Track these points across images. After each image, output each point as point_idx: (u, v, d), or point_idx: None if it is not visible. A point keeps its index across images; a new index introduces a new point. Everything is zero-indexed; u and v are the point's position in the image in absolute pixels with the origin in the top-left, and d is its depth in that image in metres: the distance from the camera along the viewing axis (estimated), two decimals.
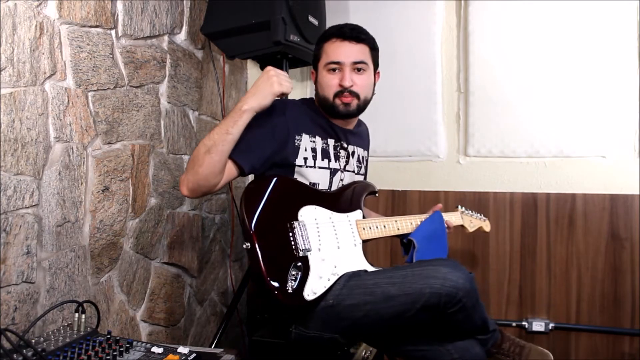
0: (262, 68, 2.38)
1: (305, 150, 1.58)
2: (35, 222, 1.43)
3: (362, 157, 1.81)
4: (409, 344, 1.46)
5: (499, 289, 2.41)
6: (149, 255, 1.95)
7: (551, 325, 2.33)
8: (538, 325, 2.34)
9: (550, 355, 1.58)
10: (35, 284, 1.44)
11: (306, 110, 1.64)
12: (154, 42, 1.97)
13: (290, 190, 1.54)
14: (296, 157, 1.56)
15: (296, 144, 1.56)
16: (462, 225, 1.91)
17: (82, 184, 1.61)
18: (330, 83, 1.58)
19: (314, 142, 1.60)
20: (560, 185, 2.35)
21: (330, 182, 1.65)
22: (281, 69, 2.20)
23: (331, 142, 1.66)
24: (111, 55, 1.73)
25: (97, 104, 1.68)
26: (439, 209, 1.78)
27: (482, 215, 2.02)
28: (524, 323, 2.36)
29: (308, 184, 1.59)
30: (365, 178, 1.86)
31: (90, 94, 1.65)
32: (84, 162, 1.62)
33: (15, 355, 1.05)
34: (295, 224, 1.46)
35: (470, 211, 1.96)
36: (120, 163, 1.78)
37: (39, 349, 1.09)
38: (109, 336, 1.26)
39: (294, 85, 1.54)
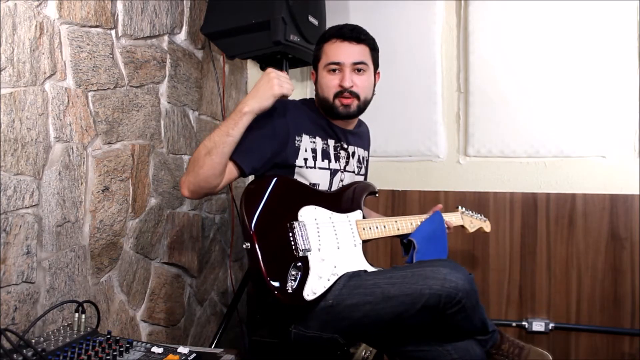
0: (262, 68, 2.41)
1: (306, 150, 1.58)
2: (35, 222, 1.43)
3: (363, 158, 1.81)
4: (409, 345, 1.46)
5: (499, 289, 2.41)
6: (149, 255, 1.95)
7: (551, 325, 2.33)
8: (538, 325, 2.34)
9: (550, 356, 1.58)
10: (35, 284, 1.44)
11: (306, 110, 1.64)
12: (154, 42, 1.97)
13: (291, 190, 1.54)
14: (296, 157, 1.56)
15: (296, 145, 1.56)
16: (462, 226, 1.91)
17: (82, 184, 1.61)
18: (330, 84, 1.58)
19: (314, 142, 1.60)
20: (560, 185, 2.35)
21: (331, 183, 1.65)
22: (281, 69, 2.21)
23: (331, 142, 1.66)
24: (111, 55, 1.73)
25: (97, 104, 1.68)
26: (439, 209, 1.78)
27: (483, 216, 2.02)
28: (524, 323, 2.36)
29: (308, 184, 1.59)
30: (365, 178, 1.86)
31: (90, 94, 1.65)
32: (84, 162, 1.62)
33: (15, 355, 1.05)
34: (295, 224, 1.46)
35: (470, 211, 1.96)
36: (120, 163, 1.78)
37: (39, 349, 1.09)
38: (109, 336, 1.26)
39: (294, 86, 1.54)
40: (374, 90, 1.68)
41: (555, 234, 2.35)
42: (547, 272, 2.35)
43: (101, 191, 1.69)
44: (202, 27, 2.19)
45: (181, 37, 2.16)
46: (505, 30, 2.38)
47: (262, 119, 1.48)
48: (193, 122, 2.27)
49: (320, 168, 1.61)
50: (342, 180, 1.69)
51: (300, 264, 1.42)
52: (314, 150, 1.60)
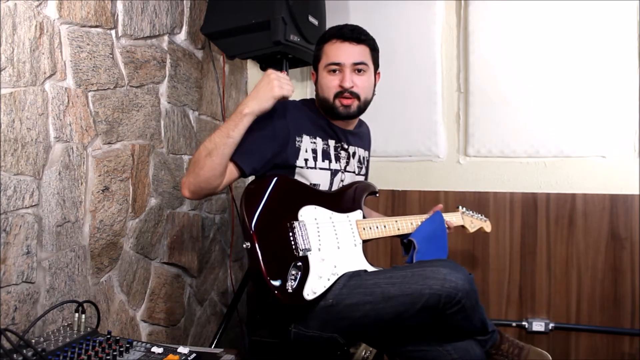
0: (262, 68, 2.41)
1: (306, 151, 1.58)
2: (35, 222, 1.43)
3: (363, 158, 1.81)
4: (409, 345, 1.46)
5: (499, 289, 2.41)
6: (149, 255, 1.95)
7: (551, 325, 2.33)
8: (538, 325, 2.34)
9: (549, 356, 1.58)
10: (35, 284, 1.44)
11: (307, 111, 1.64)
12: (154, 42, 1.97)
13: (291, 190, 1.54)
14: (297, 158, 1.56)
15: (297, 146, 1.56)
16: (462, 226, 1.91)
17: (82, 184, 1.61)
18: (331, 84, 1.58)
19: (314, 143, 1.61)
20: (560, 185, 2.35)
21: (331, 183, 1.65)
22: (281, 69, 2.21)
23: (332, 143, 1.66)
24: (111, 55, 1.73)
25: (97, 104, 1.68)
26: (439, 209, 1.78)
27: (483, 216, 2.01)
28: (524, 323, 2.36)
29: (309, 184, 1.59)
30: (366, 178, 1.86)
31: (90, 94, 1.65)
32: (84, 162, 1.62)
33: (15, 355, 1.05)
34: (296, 223, 1.46)
35: (471, 211, 1.96)
36: (120, 163, 1.78)
37: (39, 349, 1.09)
38: (109, 336, 1.26)
39: (294, 87, 1.54)
40: (374, 91, 1.68)
41: (555, 234, 2.35)
42: (547, 272, 2.35)
43: (101, 191, 1.69)
44: (202, 27, 2.19)
45: (181, 37, 2.16)
46: (505, 30, 2.38)
47: (262, 120, 1.48)
48: (193, 122, 2.27)
49: (320, 168, 1.61)
50: (342, 181, 1.69)
51: (300, 263, 1.42)
52: (314, 151, 1.60)
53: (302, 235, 1.46)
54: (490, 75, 2.41)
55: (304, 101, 1.71)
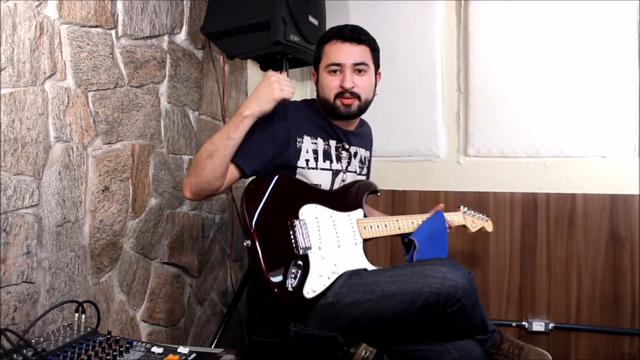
0: (262, 68, 2.41)
1: (307, 152, 1.58)
2: (35, 222, 1.43)
3: (365, 158, 1.81)
4: (409, 344, 1.46)
5: (499, 289, 2.41)
6: (149, 255, 1.95)
7: (551, 325, 2.33)
8: (538, 325, 2.34)
9: (549, 356, 1.58)
10: (35, 284, 1.44)
11: (307, 112, 1.64)
12: (154, 42, 1.97)
13: (292, 188, 1.54)
14: (298, 159, 1.56)
15: (297, 146, 1.56)
16: (464, 226, 1.91)
17: (82, 184, 1.61)
18: (331, 85, 1.58)
19: (315, 143, 1.61)
20: (560, 185, 2.35)
21: (332, 184, 1.65)
22: (281, 69, 2.21)
23: (333, 143, 1.66)
24: (111, 55, 1.73)
25: (97, 104, 1.68)
26: (440, 208, 1.78)
27: (485, 216, 2.01)
28: (524, 323, 2.36)
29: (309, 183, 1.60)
30: (368, 178, 1.86)
31: (90, 94, 1.65)
32: (84, 162, 1.62)
33: (15, 355, 1.05)
34: (296, 222, 1.47)
35: (472, 211, 1.96)
36: (120, 163, 1.78)
37: (39, 349, 1.09)
38: (109, 336, 1.26)
39: (294, 89, 1.54)
40: (375, 91, 1.68)
41: (555, 234, 2.35)
42: (547, 272, 2.35)
43: (101, 191, 1.69)
44: (202, 27, 2.19)
45: (181, 37, 2.16)
46: (505, 30, 2.39)
47: (263, 122, 1.48)
48: (193, 122, 2.27)
49: (322, 169, 1.62)
50: (344, 181, 1.69)
51: (300, 262, 1.42)
52: (315, 151, 1.60)
53: (302, 234, 1.46)
54: (490, 75, 2.41)
55: (305, 101, 1.71)
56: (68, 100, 1.55)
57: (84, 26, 1.61)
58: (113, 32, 1.74)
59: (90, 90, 1.65)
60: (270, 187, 1.48)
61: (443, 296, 1.31)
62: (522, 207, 2.39)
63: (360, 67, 1.58)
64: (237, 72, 2.66)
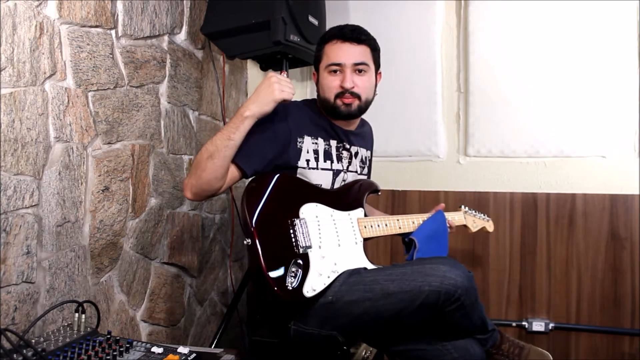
0: (262, 68, 2.41)
1: (308, 152, 1.58)
2: (35, 222, 1.43)
3: (366, 158, 1.82)
4: (409, 343, 1.46)
5: (499, 289, 2.41)
6: (149, 255, 1.95)
7: (551, 325, 2.33)
8: (538, 325, 2.34)
9: (550, 356, 1.58)
10: (35, 284, 1.44)
11: (308, 112, 1.64)
12: (154, 42, 1.97)
13: (292, 187, 1.54)
14: (298, 159, 1.56)
15: (298, 147, 1.56)
16: (465, 225, 1.90)
17: (82, 184, 1.61)
18: (331, 85, 1.58)
19: (316, 143, 1.61)
20: (560, 185, 2.35)
21: (333, 183, 1.65)
22: (281, 69, 2.21)
23: (333, 143, 1.66)
24: (111, 55, 1.73)
25: (97, 104, 1.68)
26: (441, 208, 1.78)
27: (486, 216, 2.01)
28: (524, 323, 2.36)
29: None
30: (369, 178, 1.86)
31: (90, 94, 1.65)
32: (84, 162, 1.62)
33: (15, 355, 1.05)
34: (297, 221, 1.47)
35: (473, 211, 1.96)
36: (120, 163, 1.78)
37: (39, 349, 1.09)
38: (109, 336, 1.26)
39: (295, 90, 1.54)
40: (375, 91, 1.68)
41: (555, 234, 2.35)
42: (547, 272, 2.35)
43: (101, 191, 1.69)
44: (202, 27, 2.19)
45: (181, 37, 2.16)
46: (505, 30, 2.39)
47: (263, 122, 1.48)
48: (193, 122, 2.26)
49: (322, 169, 1.62)
50: (344, 181, 1.69)
51: (300, 260, 1.42)
52: (315, 152, 1.60)
53: (302, 233, 1.46)
54: (490, 75, 2.41)
55: (305, 101, 1.71)
56: (68, 100, 1.55)
57: (84, 26, 1.61)
58: (113, 32, 1.74)
59: (90, 90, 1.65)
60: (271, 186, 1.48)
61: (443, 295, 1.31)
62: (522, 207, 2.39)
63: (360, 67, 1.58)
64: (237, 72, 2.66)
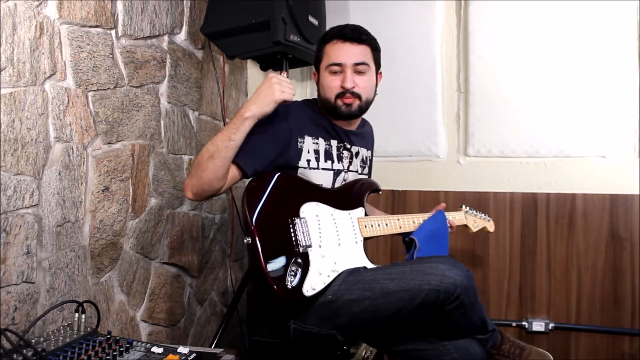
0: (262, 68, 2.41)
1: (308, 152, 1.58)
2: (35, 222, 1.43)
3: (366, 157, 1.82)
4: (409, 343, 1.46)
5: (499, 289, 2.41)
6: (149, 255, 1.95)
7: (551, 325, 2.33)
8: (538, 325, 2.34)
9: (550, 356, 1.58)
10: (35, 284, 1.44)
11: (309, 112, 1.64)
12: (154, 42, 1.97)
13: (293, 186, 1.55)
14: (299, 159, 1.56)
15: (299, 147, 1.56)
16: (465, 225, 1.90)
17: (82, 184, 1.61)
18: (332, 85, 1.58)
19: (316, 144, 1.61)
20: (560, 185, 2.35)
21: (334, 183, 1.65)
22: (281, 69, 2.21)
23: (334, 143, 1.66)
24: (111, 55, 1.73)
25: (97, 104, 1.68)
26: (442, 208, 1.78)
27: (487, 216, 2.01)
28: (524, 323, 2.36)
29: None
30: (369, 178, 1.86)
31: (90, 94, 1.65)
32: (84, 162, 1.62)
33: (15, 355, 1.05)
34: (297, 220, 1.47)
35: (474, 211, 1.96)
36: (120, 163, 1.78)
37: (39, 349, 1.09)
38: (109, 336, 1.26)
39: (295, 90, 1.54)
40: (375, 90, 1.68)
41: (555, 234, 2.35)
42: (547, 272, 2.35)
43: (101, 191, 1.69)
44: (202, 27, 2.19)
45: (181, 37, 2.16)
46: (505, 30, 2.39)
47: (264, 122, 1.49)
48: (193, 122, 2.26)
49: (323, 169, 1.62)
50: (345, 181, 1.69)
51: (300, 259, 1.42)
52: (316, 152, 1.60)
53: (303, 232, 1.46)
54: (490, 75, 2.41)
55: (306, 101, 1.71)
56: (68, 100, 1.55)
57: (84, 26, 1.61)
58: (113, 32, 1.74)
59: (90, 90, 1.65)
60: (272, 185, 1.49)
61: (442, 293, 1.31)
62: (522, 207, 2.39)
63: (360, 67, 1.58)
64: (237, 72, 2.66)
